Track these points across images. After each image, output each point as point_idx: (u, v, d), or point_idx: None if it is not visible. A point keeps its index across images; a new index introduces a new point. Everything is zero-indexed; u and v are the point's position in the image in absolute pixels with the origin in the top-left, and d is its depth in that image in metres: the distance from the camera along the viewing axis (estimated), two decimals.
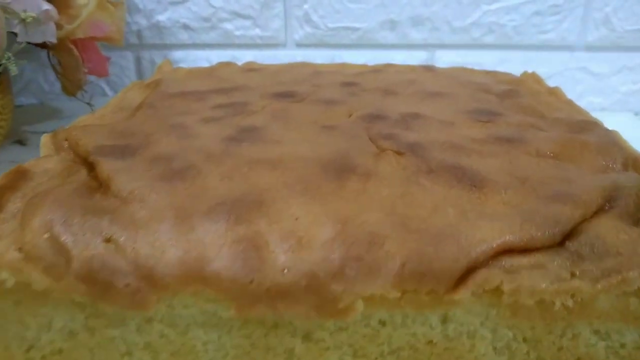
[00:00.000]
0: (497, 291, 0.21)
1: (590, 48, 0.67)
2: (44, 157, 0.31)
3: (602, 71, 0.68)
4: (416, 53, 0.67)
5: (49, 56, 0.49)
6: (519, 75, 0.48)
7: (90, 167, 0.28)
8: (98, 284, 0.21)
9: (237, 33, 0.66)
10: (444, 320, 0.23)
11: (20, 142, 0.58)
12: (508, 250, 0.22)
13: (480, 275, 0.21)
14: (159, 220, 0.23)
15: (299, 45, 0.66)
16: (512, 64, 0.66)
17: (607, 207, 0.25)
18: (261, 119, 0.34)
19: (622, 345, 0.23)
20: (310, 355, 0.23)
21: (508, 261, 0.22)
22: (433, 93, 0.39)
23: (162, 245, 0.22)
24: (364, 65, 0.49)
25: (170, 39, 0.66)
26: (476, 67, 0.51)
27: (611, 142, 0.31)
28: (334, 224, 0.23)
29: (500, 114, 0.35)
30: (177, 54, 0.67)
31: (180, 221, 0.23)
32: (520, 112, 0.36)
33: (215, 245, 0.22)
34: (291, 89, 0.40)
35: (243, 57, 0.65)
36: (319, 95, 0.38)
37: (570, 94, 0.69)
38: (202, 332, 0.23)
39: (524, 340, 0.23)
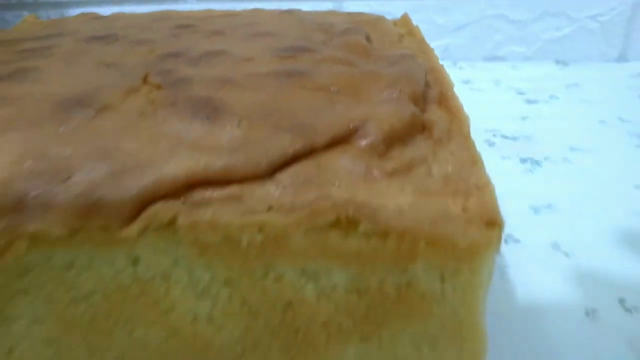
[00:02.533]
0: (172, 227, 0.19)
1: None
2: None
3: (521, 18, 0.65)
4: (323, 3, 0.63)
5: None
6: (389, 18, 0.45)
7: None
8: None
9: None
10: (135, 261, 0.20)
11: None
12: (203, 182, 0.20)
13: (153, 209, 0.19)
14: None
15: None
16: (424, 13, 0.63)
17: (350, 140, 0.23)
18: (49, 61, 0.32)
19: (334, 288, 0.20)
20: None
21: (200, 194, 0.20)
22: (261, 33, 0.37)
23: None
24: (228, 11, 0.47)
25: None
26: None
27: (406, 74, 0.28)
28: (25, 156, 0.21)
29: (311, 50, 0.32)
30: (73, 13, 0.65)
31: None
32: (340, 49, 0.33)
33: None
34: (113, 32, 0.38)
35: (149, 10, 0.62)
36: (136, 37, 0.36)
37: (487, 44, 0.66)
38: None
39: (225, 283, 0.21)
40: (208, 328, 0.21)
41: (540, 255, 0.31)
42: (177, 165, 0.20)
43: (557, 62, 0.65)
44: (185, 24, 0.40)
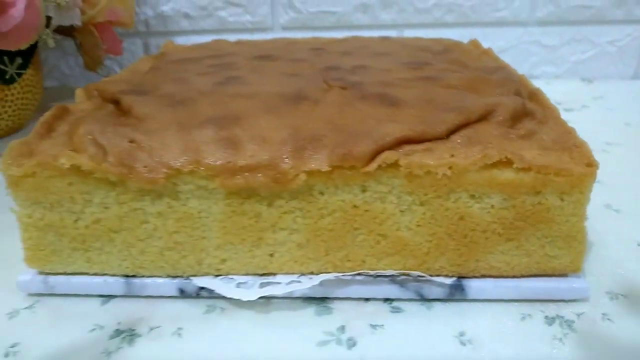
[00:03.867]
0: (396, 165, 0.31)
1: (540, 23, 0.77)
2: (79, 102, 0.41)
3: (552, 43, 0.78)
4: (386, 32, 0.76)
5: (74, 39, 0.59)
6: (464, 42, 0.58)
7: (116, 103, 0.38)
8: (125, 166, 0.31)
9: (231, 19, 0.76)
10: (363, 189, 0.32)
11: None
12: (407, 141, 0.32)
13: (384, 155, 0.31)
14: (165, 129, 0.33)
15: (285, 28, 0.76)
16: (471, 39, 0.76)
17: (489, 117, 0.35)
18: (242, 72, 0.44)
19: (492, 206, 0.32)
20: (272, 217, 0.33)
21: (407, 147, 0.32)
22: (380, 53, 0.49)
23: (169, 142, 0.32)
24: (332, 38, 0.59)
25: (173, 26, 0.77)
26: None
27: (508, 79, 0.41)
28: (288, 129, 0.33)
29: (430, 63, 0.45)
30: (179, 40, 0.77)
31: (180, 129, 0.33)
32: (447, 62, 0.46)
33: (205, 142, 0.32)
34: (269, 53, 0.50)
35: None
36: (290, 57, 0.49)
37: (525, 65, 0.79)
38: (197, 202, 0.33)
39: (421, 203, 0.32)
40: (407, 233, 0.33)
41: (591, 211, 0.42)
42: (390, 131, 0.32)
43: (583, 79, 0.78)
44: (316, 48, 0.52)
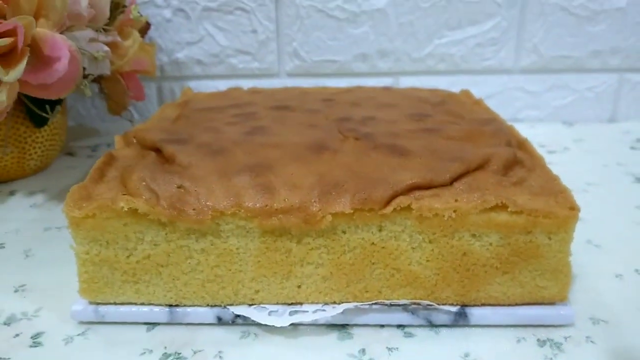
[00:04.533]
0: (409, 208, 0.36)
1: (524, 71, 0.84)
2: (120, 148, 0.46)
3: (535, 89, 0.85)
4: (383, 79, 0.83)
5: (100, 86, 0.65)
6: (457, 92, 0.64)
7: (157, 151, 0.43)
8: (176, 209, 0.36)
9: (240, 66, 0.82)
10: (380, 229, 0.37)
11: (71, 154, 0.73)
12: (417, 187, 0.38)
13: (398, 199, 0.37)
14: (209, 176, 0.38)
15: (290, 75, 0.83)
16: (461, 85, 0.83)
17: (485, 166, 0.41)
18: (265, 122, 0.49)
19: (490, 244, 0.38)
20: (301, 253, 0.38)
21: (417, 193, 0.38)
22: (385, 104, 0.55)
23: (213, 188, 0.37)
24: (339, 88, 0.65)
25: (187, 72, 0.82)
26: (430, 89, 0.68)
27: (500, 131, 0.47)
28: (314, 176, 0.38)
29: (430, 115, 0.51)
30: (192, 84, 0.83)
31: (222, 176, 0.38)
32: (445, 114, 0.52)
33: (244, 187, 0.37)
34: (285, 103, 0.56)
35: (245, 85, 0.81)
36: (305, 107, 0.54)
37: (510, 109, 0.86)
38: (236, 240, 0.37)
39: (429, 241, 0.38)
40: (418, 267, 0.38)
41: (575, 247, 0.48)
42: (403, 178, 0.38)
43: (564, 122, 0.85)
44: (327, 99, 0.58)
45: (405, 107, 0.54)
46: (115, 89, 0.63)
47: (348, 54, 0.81)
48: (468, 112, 0.54)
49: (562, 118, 0.86)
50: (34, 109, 0.56)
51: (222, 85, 0.82)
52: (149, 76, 0.68)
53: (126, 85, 0.63)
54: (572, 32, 0.81)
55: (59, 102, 0.57)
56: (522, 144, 0.46)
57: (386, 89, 0.63)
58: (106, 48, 0.57)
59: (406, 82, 0.83)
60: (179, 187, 0.38)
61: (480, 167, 0.41)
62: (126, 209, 0.36)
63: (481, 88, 0.83)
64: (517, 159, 0.43)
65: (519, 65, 0.83)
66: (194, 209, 0.36)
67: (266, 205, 0.36)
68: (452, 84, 0.83)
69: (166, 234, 0.37)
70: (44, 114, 0.56)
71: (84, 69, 0.57)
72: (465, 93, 0.63)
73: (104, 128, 0.84)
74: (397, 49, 0.81)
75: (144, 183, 0.37)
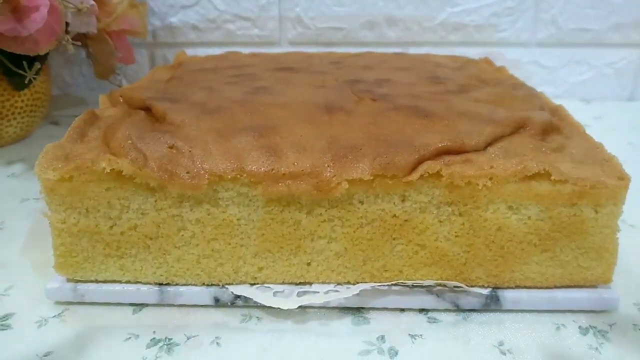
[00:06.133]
0: (438, 175, 0.32)
1: (541, 44, 0.78)
2: (104, 107, 0.40)
3: (552, 64, 0.80)
4: (392, 50, 0.77)
5: (88, 49, 0.59)
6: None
7: (146, 109, 0.38)
8: (167, 172, 0.31)
9: (239, 32, 0.76)
10: (403, 199, 0.33)
11: (55, 123, 0.68)
12: (446, 151, 0.33)
13: (426, 165, 0.32)
14: (205, 135, 0.33)
15: (292, 43, 0.77)
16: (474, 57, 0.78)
17: (521, 130, 0.36)
18: (268, 82, 0.44)
19: (529, 217, 0.33)
20: (311, 225, 0.33)
21: (447, 158, 0.33)
22: (401, 67, 0.50)
23: (210, 149, 0.32)
24: (347, 53, 0.60)
25: (181, 38, 0.77)
26: None
27: (532, 95, 0.42)
28: (326, 138, 0.33)
29: (451, 78, 0.46)
30: (187, 52, 0.77)
31: (220, 136, 0.33)
32: (467, 78, 0.47)
33: (246, 149, 0.32)
34: (289, 65, 0.50)
35: None
36: (311, 69, 0.49)
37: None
38: (237, 209, 0.32)
39: (460, 214, 0.33)
40: (445, 244, 0.33)
41: None
42: (430, 141, 0.33)
43: (581, 100, 0.80)
44: (335, 61, 0.53)
45: (423, 70, 0.49)
46: (102, 49, 0.58)
47: (354, 22, 0.76)
48: (492, 79, 0.49)
49: (579, 95, 0.81)
50: (10, 67, 0.51)
51: (218, 53, 0.77)
52: (140, 38, 0.62)
53: (114, 45, 0.57)
54: (593, 2, 0.75)
55: (39, 58, 0.52)
56: (555, 110, 0.41)
57: (398, 54, 0.58)
58: (92, 2, 0.51)
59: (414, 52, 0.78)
60: (171, 147, 0.33)
61: (515, 131, 0.36)
62: (108, 171, 0.31)
63: (494, 61, 0.78)
64: (554, 125, 0.38)
65: (536, 37, 0.78)
66: (187, 172, 0.31)
67: (272, 169, 0.31)
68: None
69: (155, 201, 0.32)
70: (21, 71, 0.50)
71: (67, 24, 0.51)
72: (486, 60, 0.58)
73: (91, 97, 0.78)
74: (407, 16, 0.75)
75: (129, 142, 0.32)
